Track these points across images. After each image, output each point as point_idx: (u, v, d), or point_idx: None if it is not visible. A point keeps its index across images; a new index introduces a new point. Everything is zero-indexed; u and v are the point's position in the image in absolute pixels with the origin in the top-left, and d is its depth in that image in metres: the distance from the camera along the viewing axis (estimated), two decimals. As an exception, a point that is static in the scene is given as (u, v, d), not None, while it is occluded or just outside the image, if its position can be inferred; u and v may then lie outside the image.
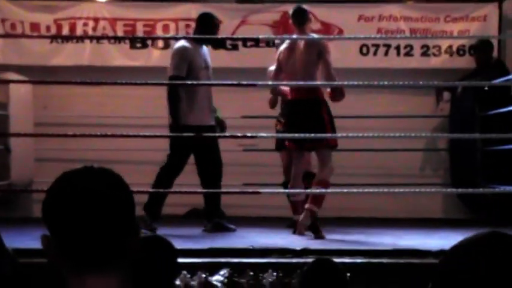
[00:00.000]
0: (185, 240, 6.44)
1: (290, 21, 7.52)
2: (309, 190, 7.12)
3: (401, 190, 6.98)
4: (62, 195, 1.77)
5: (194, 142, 7.23)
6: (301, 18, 7.34)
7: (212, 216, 7.58)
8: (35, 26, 9.29)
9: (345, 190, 7.53)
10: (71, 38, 9.21)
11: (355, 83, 7.84)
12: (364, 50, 9.33)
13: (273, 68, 7.57)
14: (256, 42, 9.22)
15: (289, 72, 7.26)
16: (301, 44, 7.30)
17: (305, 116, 7.07)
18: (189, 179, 8.20)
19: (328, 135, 7.02)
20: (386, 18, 9.38)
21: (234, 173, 9.13)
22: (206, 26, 7.48)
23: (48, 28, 9.27)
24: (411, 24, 9.39)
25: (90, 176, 1.82)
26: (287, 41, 7.50)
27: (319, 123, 7.06)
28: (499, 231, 1.61)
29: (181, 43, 7.43)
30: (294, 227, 7.29)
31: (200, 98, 7.39)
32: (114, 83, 7.50)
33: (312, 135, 6.82)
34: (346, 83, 7.49)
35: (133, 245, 1.83)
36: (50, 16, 9.30)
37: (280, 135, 7.61)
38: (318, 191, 6.99)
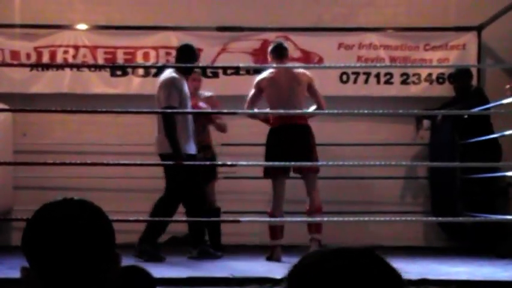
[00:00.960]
0: (165, 268, 6.40)
1: (269, 56, 7.66)
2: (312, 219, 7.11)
3: (382, 219, 6.96)
4: (42, 227, 1.79)
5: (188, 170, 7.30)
6: (280, 53, 7.61)
7: (198, 242, 7.56)
8: (15, 54, 9.27)
9: (325, 218, 7.51)
10: (50, 66, 9.19)
11: (335, 111, 7.86)
12: (344, 77, 9.36)
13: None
14: (237, 70, 9.23)
15: (273, 100, 7.40)
16: (285, 74, 7.48)
17: (294, 141, 7.29)
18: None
19: (310, 163, 7.02)
20: (366, 46, 9.42)
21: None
22: (187, 57, 7.49)
23: (28, 56, 9.25)
24: (391, 52, 9.44)
25: (69, 207, 1.83)
26: (269, 70, 7.56)
27: (308, 148, 7.32)
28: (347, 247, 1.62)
29: (171, 73, 7.43)
30: (272, 253, 7.36)
31: (191, 127, 7.50)
32: (94, 111, 7.48)
33: (298, 161, 6.82)
34: (326, 111, 7.50)
35: (112, 274, 1.84)
36: (30, 44, 9.28)
37: (265, 163, 7.59)
38: (310, 219, 6.98)
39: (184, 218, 7.62)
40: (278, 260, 7.27)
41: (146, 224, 7.43)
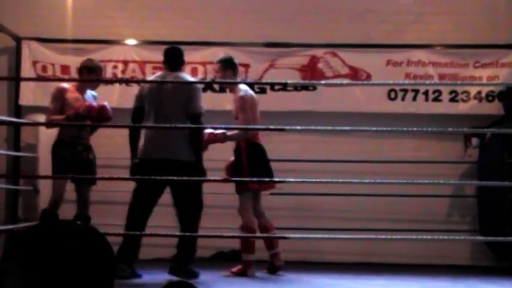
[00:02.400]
0: (210, 284, 6.41)
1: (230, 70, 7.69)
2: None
3: (429, 237, 6.89)
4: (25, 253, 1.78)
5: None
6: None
7: (188, 261, 7.02)
8: (65, 69, 9.39)
9: (372, 236, 7.48)
10: (100, 81, 9.26)
11: (384, 128, 7.81)
12: (392, 94, 9.31)
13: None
14: (284, 86, 9.24)
15: (255, 118, 7.59)
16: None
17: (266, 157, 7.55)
18: (214, 222, 8.23)
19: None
20: (414, 63, 9.37)
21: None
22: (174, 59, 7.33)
23: (78, 70, 9.35)
24: (440, 69, 9.36)
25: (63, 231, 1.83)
26: (249, 89, 7.72)
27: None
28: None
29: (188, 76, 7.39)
30: (246, 269, 7.40)
31: None
32: (143, 126, 7.49)
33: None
34: (374, 128, 7.47)
35: None
36: (80, 59, 9.34)
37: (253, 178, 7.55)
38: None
39: (234, 234, 7.58)
40: (253, 276, 7.28)
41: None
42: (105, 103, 7.53)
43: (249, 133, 7.49)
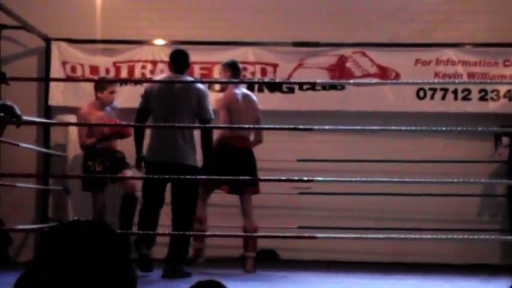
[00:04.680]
0: (239, 283, 6.41)
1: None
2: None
3: (460, 237, 6.87)
4: (54, 248, 1.78)
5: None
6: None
7: (182, 261, 7.07)
8: (94, 69, 9.44)
9: (402, 236, 7.46)
10: (129, 81, 9.32)
11: (413, 128, 7.77)
12: (421, 93, 9.26)
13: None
14: (313, 85, 9.23)
15: (244, 119, 7.67)
16: (248, 96, 7.94)
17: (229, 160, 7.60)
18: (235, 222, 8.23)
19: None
20: (443, 62, 9.31)
21: (290, 216, 9.16)
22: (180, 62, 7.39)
23: (107, 71, 9.40)
24: (469, 68, 9.30)
25: (83, 229, 1.83)
26: (240, 88, 7.84)
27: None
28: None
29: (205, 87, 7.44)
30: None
31: None
32: (172, 126, 7.50)
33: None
34: (403, 128, 7.43)
35: None
36: (109, 59, 9.43)
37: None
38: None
39: (268, 234, 7.59)
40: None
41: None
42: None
43: (225, 134, 7.62)
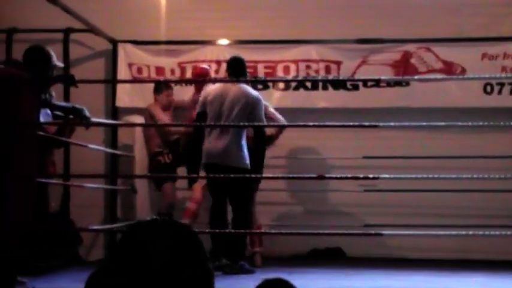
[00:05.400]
0: (306, 280, 6.43)
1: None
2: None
3: (503, 233, 6.73)
4: (132, 247, 1.81)
5: None
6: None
7: (240, 256, 7.26)
8: (160, 70, 9.54)
9: (470, 232, 7.32)
10: (193, 81, 9.38)
11: (480, 123, 7.69)
12: (488, 88, 9.14)
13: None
14: (377, 82, 9.19)
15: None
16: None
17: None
18: (309, 221, 8.26)
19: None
20: (511, 56, 9.17)
21: (356, 213, 9.14)
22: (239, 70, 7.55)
23: (172, 71, 9.49)
24: (538, 61, 9.15)
25: (161, 228, 1.85)
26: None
27: None
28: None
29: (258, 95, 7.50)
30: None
31: None
32: (232, 126, 7.53)
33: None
34: (470, 123, 7.36)
35: None
36: (174, 60, 9.52)
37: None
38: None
39: (326, 231, 7.60)
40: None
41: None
42: None
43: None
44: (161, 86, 8.90)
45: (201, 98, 7.52)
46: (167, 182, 8.71)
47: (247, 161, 7.26)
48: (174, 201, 8.73)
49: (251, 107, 7.24)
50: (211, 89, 7.53)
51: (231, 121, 7.19)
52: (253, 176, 7.14)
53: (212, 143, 7.25)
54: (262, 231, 7.93)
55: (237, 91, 7.32)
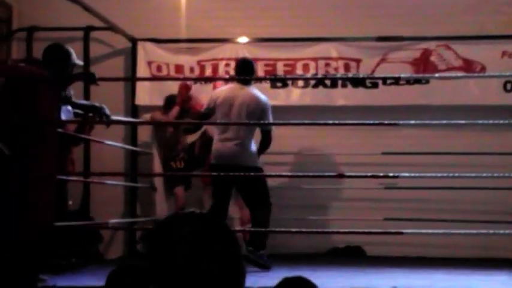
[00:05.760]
0: (326, 279, 6.42)
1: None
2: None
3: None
4: (169, 240, 1.80)
5: None
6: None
7: (261, 248, 7.35)
8: (179, 68, 9.56)
9: (491, 231, 7.26)
10: (213, 79, 9.39)
11: (501, 121, 7.65)
12: (509, 86, 9.09)
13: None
14: (397, 80, 9.16)
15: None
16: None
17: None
18: (329, 218, 8.23)
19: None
20: (531, 54, 9.13)
21: (375, 211, 9.12)
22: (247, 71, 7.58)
23: (191, 69, 9.51)
24: (559, 59, 9.09)
25: (197, 222, 1.84)
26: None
27: None
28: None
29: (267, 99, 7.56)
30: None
31: None
32: (254, 124, 7.54)
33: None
34: (490, 121, 7.33)
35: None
36: (193, 58, 9.54)
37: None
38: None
39: (345, 230, 7.59)
40: None
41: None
42: None
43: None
44: (170, 105, 8.98)
45: (209, 100, 7.58)
46: (179, 185, 8.86)
47: (257, 160, 7.40)
48: (185, 205, 8.82)
49: (260, 111, 7.34)
50: (220, 91, 7.58)
51: (240, 125, 7.30)
52: (266, 174, 7.20)
53: (222, 144, 7.33)
54: (283, 229, 7.92)
55: (245, 95, 7.38)
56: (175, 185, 8.87)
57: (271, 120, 7.36)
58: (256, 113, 7.31)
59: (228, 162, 7.24)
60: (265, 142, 7.50)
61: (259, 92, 7.59)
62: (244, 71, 7.49)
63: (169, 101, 9.00)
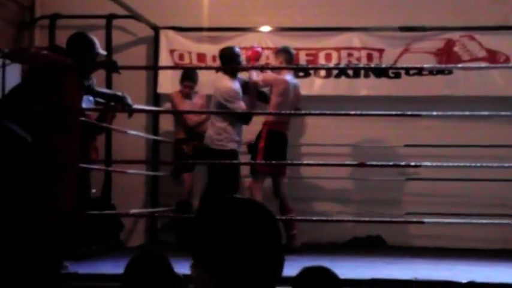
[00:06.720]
0: (347, 269, 6.42)
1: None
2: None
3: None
4: (215, 226, 1.78)
5: None
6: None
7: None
8: (201, 57, 9.56)
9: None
10: (235, 69, 9.36)
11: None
12: (533, 77, 9.03)
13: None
14: (420, 70, 9.11)
15: (289, 106, 8.14)
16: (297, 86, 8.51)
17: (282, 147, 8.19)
18: (350, 208, 8.22)
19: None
20: (556, 45, 9.05)
21: (397, 202, 9.09)
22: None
23: (214, 58, 9.48)
24: None
25: (242, 206, 1.83)
26: (290, 74, 8.24)
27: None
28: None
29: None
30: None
31: None
32: (276, 113, 7.54)
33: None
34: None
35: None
36: (215, 47, 9.49)
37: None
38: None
39: (366, 219, 7.58)
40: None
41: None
42: None
43: (269, 120, 8.11)
44: (182, 76, 9.05)
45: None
46: (187, 171, 8.98)
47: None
48: (192, 189, 8.97)
49: (223, 99, 7.86)
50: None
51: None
52: (289, 162, 7.27)
53: None
54: (303, 218, 7.91)
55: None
56: (184, 170, 8.99)
57: (234, 106, 7.79)
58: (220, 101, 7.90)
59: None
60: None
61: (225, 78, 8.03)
62: (225, 61, 8.11)
63: (187, 75, 9.10)
